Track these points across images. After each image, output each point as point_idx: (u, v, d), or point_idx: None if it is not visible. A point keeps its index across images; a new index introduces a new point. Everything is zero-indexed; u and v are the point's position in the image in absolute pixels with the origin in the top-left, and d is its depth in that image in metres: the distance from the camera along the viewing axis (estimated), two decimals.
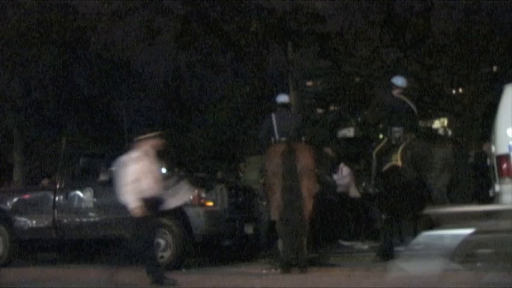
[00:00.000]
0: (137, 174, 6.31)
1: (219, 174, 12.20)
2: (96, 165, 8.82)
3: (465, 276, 6.18)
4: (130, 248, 6.45)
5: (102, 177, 8.59)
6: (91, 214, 8.56)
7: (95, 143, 15.49)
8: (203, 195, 7.95)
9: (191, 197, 7.74)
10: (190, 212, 7.87)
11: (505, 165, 6.48)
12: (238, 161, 13.44)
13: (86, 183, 8.69)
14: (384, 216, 7.97)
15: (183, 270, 7.79)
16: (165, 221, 7.96)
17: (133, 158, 6.43)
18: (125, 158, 6.50)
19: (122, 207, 8.18)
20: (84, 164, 9.08)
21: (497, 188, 6.74)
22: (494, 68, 12.89)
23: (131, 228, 6.62)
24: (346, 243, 9.27)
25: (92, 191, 8.61)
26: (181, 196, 6.93)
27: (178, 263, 7.88)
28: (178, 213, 7.92)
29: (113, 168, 8.60)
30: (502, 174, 6.55)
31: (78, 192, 8.71)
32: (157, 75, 17.33)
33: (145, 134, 6.66)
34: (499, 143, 6.67)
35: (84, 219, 8.58)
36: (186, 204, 7.88)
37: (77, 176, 8.88)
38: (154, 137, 6.65)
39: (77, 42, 14.98)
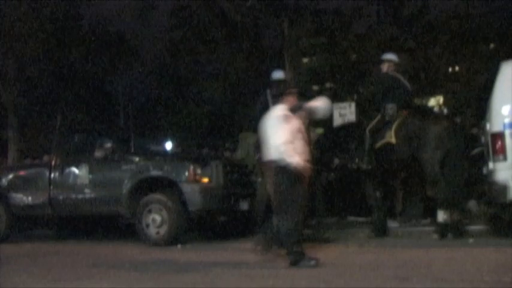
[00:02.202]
0: (289, 135, 5.71)
1: (205, 151, 12.21)
2: (91, 142, 8.82)
3: (457, 252, 6.29)
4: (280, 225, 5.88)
5: (98, 154, 8.60)
6: (86, 191, 8.58)
7: (90, 119, 15.46)
8: (198, 171, 7.97)
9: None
10: (186, 188, 7.91)
11: (499, 143, 6.53)
12: (225, 139, 13.46)
13: (82, 159, 8.69)
14: (377, 193, 8.03)
15: (179, 246, 7.86)
16: (160, 197, 8.03)
17: (283, 116, 5.82)
18: (274, 114, 5.90)
19: (118, 184, 8.28)
20: (79, 140, 9.08)
21: (491, 165, 6.80)
22: (491, 46, 12.85)
23: (279, 199, 5.86)
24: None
25: (87, 168, 8.63)
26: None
27: (174, 239, 7.94)
28: (174, 189, 7.98)
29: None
30: (496, 152, 6.60)
31: (74, 169, 8.73)
32: (152, 51, 17.22)
33: (289, 87, 6.09)
34: (493, 121, 6.71)
35: (80, 196, 8.61)
36: (181, 181, 7.94)
37: (72, 153, 8.89)
38: (294, 93, 6.03)
39: (71, 17, 14.84)
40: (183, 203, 7.93)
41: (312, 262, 5.74)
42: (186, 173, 7.96)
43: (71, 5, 14.72)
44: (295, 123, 5.86)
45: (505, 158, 6.52)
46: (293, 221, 5.75)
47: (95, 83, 16.52)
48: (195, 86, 15.46)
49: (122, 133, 9.82)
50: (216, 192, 8.02)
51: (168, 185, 8.06)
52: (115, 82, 16.71)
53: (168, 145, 13.24)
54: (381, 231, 7.95)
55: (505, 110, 6.60)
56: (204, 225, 8.88)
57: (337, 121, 9.75)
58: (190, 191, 7.90)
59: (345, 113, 9.66)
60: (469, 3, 12.23)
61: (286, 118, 5.81)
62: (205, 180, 7.99)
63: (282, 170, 5.72)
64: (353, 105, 10.01)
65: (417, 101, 10.50)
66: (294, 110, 5.94)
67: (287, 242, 5.83)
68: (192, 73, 15.49)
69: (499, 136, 6.57)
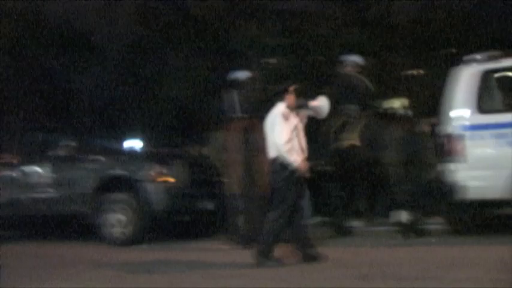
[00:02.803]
0: (289, 134, 5.78)
1: (175, 150, 12.13)
2: (54, 140, 8.69)
3: (419, 251, 6.45)
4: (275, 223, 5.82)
5: (61, 153, 8.48)
6: (49, 190, 8.45)
7: (52, 117, 15.16)
8: (163, 170, 7.94)
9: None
10: (151, 188, 7.87)
11: (453, 145, 6.73)
12: (192, 137, 13.42)
13: (44, 158, 8.55)
14: (341, 194, 8.15)
15: (144, 246, 7.82)
16: (124, 196, 7.97)
17: (284, 114, 5.83)
18: (276, 112, 5.86)
19: (81, 183, 8.18)
20: (41, 139, 8.93)
21: (450, 166, 7.00)
22: (453, 50, 13.17)
23: (277, 196, 5.86)
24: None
25: (49, 167, 8.50)
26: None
27: (139, 239, 7.90)
28: (139, 188, 7.93)
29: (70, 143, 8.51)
30: (454, 154, 6.81)
31: (36, 168, 8.58)
32: (117, 48, 17.01)
33: (291, 85, 6.01)
34: (452, 124, 6.91)
35: (42, 196, 8.47)
36: (145, 180, 7.90)
37: (34, 152, 8.73)
38: (295, 91, 5.98)
39: (31, 13, 14.55)
40: (147, 203, 7.89)
41: (277, 262, 5.78)
42: (151, 172, 7.92)
43: (32, 1, 14.44)
44: (294, 121, 5.89)
45: (463, 159, 6.72)
46: (281, 221, 5.79)
47: (58, 81, 16.23)
48: (160, 85, 15.35)
49: (86, 132, 9.72)
50: (180, 192, 8.00)
51: (132, 185, 8.01)
52: (79, 80, 16.44)
53: (137, 144, 13.14)
54: (345, 231, 8.07)
55: (463, 112, 6.81)
56: (168, 225, 8.85)
57: None
58: (154, 190, 7.87)
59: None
60: (430, 9, 12.54)
61: (285, 116, 5.83)
62: (170, 179, 7.96)
63: (281, 168, 5.77)
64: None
65: (380, 103, 10.67)
66: (298, 107, 5.97)
67: (264, 239, 5.83)
68: (157, 71, 15.38)
69: (453, 138, 6.77)
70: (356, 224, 8.56)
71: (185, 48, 14.44)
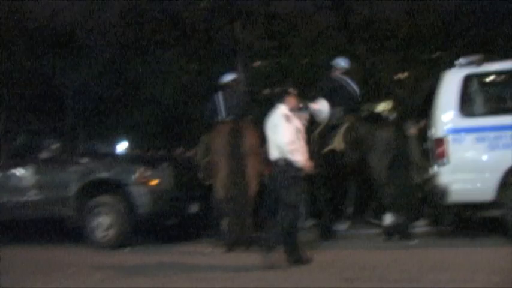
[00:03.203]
0: (292, 134, 5.84)
1: (161, 153, 12.11)
2: (37, 142, 8.61)
3: (401, 254, 6.47)
4: (281, 223, 5.84)
5: (44, 155, 8.41)
6: (32, 193, 8.36)
7: (36, 118, 15.02)
8: (147, 173, 7.90)
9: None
10: (135, 191, 7.83)
11: (441, 148, 6.78)
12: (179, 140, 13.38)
13: (27, 160, 8.47)
14: (326, 196, 8.16)
15: (127, 249, 7.77)
16: (108, 199, 7.91)
17: (286, 115, 5.88)
18: (278, 113, 5.90)
19: (65, 186, 8.10)
20: (25, 140, 8.85)
21: (434, 169, 7.05)
22: (437, 54, 13.29)
23: (283, 195, 5.86)
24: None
25: (33, 169, 8.42)
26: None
27: (122, 242, 7.85)
28: (122, 191, 7.88)
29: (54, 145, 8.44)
30: (438, 157, 6.85)
31: (19, 170, 8.49)
32: (103, 50, 16.91)
33: (291, 87, 6.04)
34: (436, 127, 6.96)
35: (25, 198, 8.38)
36: (131, 183, 7.85)
37: (17, 153, 8.65)
38: (296, 93, 6.06)
39: (15, 11, 14.42)
40: (132, 206, 7.84)
41: (282, 264, 5.75)
42: (135, 175, 7.87)
43: (17, 0, 14.29)
44: (296, 123, 5.95)
45: (446, 162, 6.77)
46: (289, 222, 5.82)
47: (42, 81, 16.07)
48: (147, 87, 15.29)
49: (70, 133, 9.64)
50: (165, 195, 7.96)
51: (116, 187, 7.96)
52: (64, 80, 16.30)
53: (123, 146, 13.05)
54: (330, 233, 8.08)
55: (447, 116, 6.86)
56: (152, 228, 8.80)
57: None
58: (138, 193, 7.82)
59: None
60: (415, 13, 12.65)
61: (288, 118, 5.86)
62: (155, 182, 7.92)
63: (285, 168, 5.81)
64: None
65: (366, 106, 10.71)
66: (299, 109, 6.06)
67: (273, 240, 5.85)
68: (144, 74, 15.31)
69: (441, 141, 6.82)
70: (342, 227, 8.58)
71: (172, 50, 14.40)
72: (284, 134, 5.82)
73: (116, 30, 15.62)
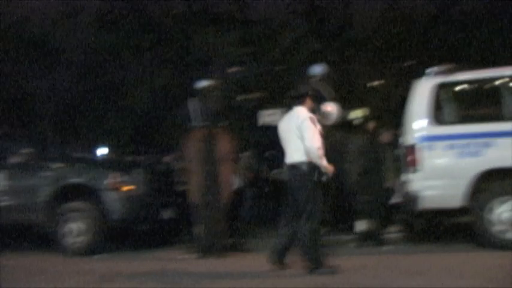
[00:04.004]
0: (320, 138, 5.69)
1: (140, 158, 12.00)
2: (8, 147, 8.48)
3: (372, 259, 6.54)
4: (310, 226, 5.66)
5: (15, 160, 8.28)
6: (2, 198, 8.22)
7: (7, 123, 14.77)
8: (120, 178, 7.83)
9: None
10: (107, 197, 7.74)
11: (412, 156, 6.88)
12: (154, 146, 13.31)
13: (1, 165, 8.32)
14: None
15: (97, 256, 7.67)
16: (80, 205, 7.82)
17: (311, 118, 5.71)
18: (301, 116, 5.73)
19: (36, 191, 7.98)
20: None
21: (405, 176, 7.15)
22: (410, 63, 13.49)
23: (302, 201, 5.71)
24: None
25: (4, 175, 8.27)
26: None
27: (94, 249, 7.75)
28: (95, 197, 7.79)
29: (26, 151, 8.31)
30: (409, 164, 6.95)
31: None
32: (78, 54, 16.74)
33: (309, 89, 5.91)
34: (408, 135, 7.07)
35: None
36: (104, 188, 7.77)
37: None
38: (313, 96, 5.93)
39: None
40: (104, 212, 7.76)
41: (330, 270, 5.62)
42: (107, 181, 7.80)
43: None
44: (318, 126, 5.82)
45: (418, 170, 6.87)
46: (316, 226, 5.67)
47: (16, 86, 15.83)
48: (121, 93, 15.18)
49: (42, 138, 9.51)
50: (138, 201, 7.90)
51: (88, 193, 7.87)
52: (37, 85, 16.07)
53: (103, 151, 12.91)
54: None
55: (418, 124, 6.97)
56: (125, 234, 8.72)
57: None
58: (111, 199, 7.75)
59: (273, 119, 9.73)
60: (389, 22, 12.86)
61: (313, 120, 5.73)
62: (128, 188, 7.86)
63: (308, 173, 5.66)
64: (280, 111, 9.99)
65: (340, 113, 10.79)
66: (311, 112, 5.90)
67: (307, 248, 5.68)
68: (118, 79, 15.20)
69: (413, 149, 6.92)
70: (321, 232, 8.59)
71: (147, 55, 14.33)
72: (314, 137, 5.65)
73: (91, 34, 15.49)
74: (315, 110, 6.01)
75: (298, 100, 5.90)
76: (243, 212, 8.84)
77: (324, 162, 5.72)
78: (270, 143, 8.49)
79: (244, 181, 9.36)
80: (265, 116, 9.97)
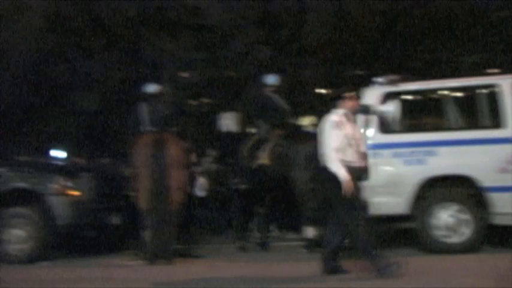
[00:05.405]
0: (341, 143, 5.45)
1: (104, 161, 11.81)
2: None
3: (320, 265, 6.62)
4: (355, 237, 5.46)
5: None
6: None
7: None
8: (67, 183, 7.66)
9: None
10: (53, 202, 7.55)
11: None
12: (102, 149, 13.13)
13: None
14: (256, 211, 8.27)
15: (44, 263, 7.47)
16: (24, 210, 7.59)
17: (335, 122, 5.52)
18: (327, 120, 5.54)
19: None
20: None
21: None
22: (360, 72, 13.81)
23: (339, 210, 5.52)
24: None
25: None
26: None
27: (40, 256, 7.54)
28: (41, 202, 7.59)
29: None
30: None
31: None
32: (23, 54, 16.29)
33: (347, 91, 5.61)
34: None
35: None
36: (49, 193, 7.58)
37: None
38: (354, 97, 5.67)
39: None
40: (50, 217, 7.57)
41: (396, 266, 5.40)
42: (54, 185, 7.61)
43: None
44: (349, 129, 5.58)
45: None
46: (361, 231, 5.47)
47: None
48: (70, 95, 14.88)
49: None
50: (86, 206, 7.74)
51: (34, 198, 7.66)
52: None
53: (53, 155, 12.60)
54: (245, 246, 8.18)
55: (367, 132, 7.13)
56: (72, 241, 8.53)
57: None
58: (57, 204, 7.55)
59: (227, 123, 9.75)
60: (339, 32, 13.14)
61: (338, 124, 5.55)
62: (75, 193, 7.69)
63: (330, 178, 5.52)
64: (234, 115, 9.99)
65: (292, 120, 10.95)
66: (361, 112, 5.78)
67: (366, 254, 5.48)
68: (66, 81, 14.90)
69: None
70: (268, 239, 8.65)
71: (97, 57, 14.12)
72: (329, 142, 5.52)
73: (38, 34, 15.12)
74: (364, 110, 5.86)
75: (333, 102, 5.74)
76: (200, 218, 8.84)
77: (335, 168, 5.47)
78: (227, 148, 8.50)
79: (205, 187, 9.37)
80: (222, 120, 9.93)
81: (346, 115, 5.61)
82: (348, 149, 5.52)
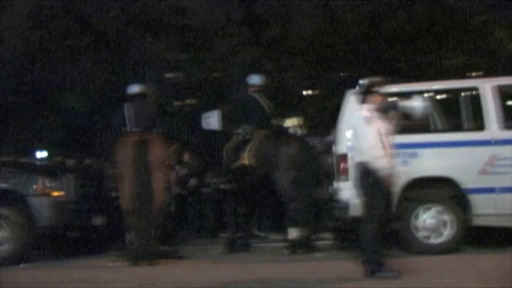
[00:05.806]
0: (374, 138, 5.39)
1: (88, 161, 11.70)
2: None
3: (305, 266, 6.65)
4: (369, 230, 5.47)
5: None
6: None
7: None
8: (49, 184, 7.58)
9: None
10: (34, 202, 7.46)
11: (343, 165, 7.06)
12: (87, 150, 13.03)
13: None
14: (239, 211, 8.25)
15: (22, 265, 7.37)
16: (4, 211, 7.49)
17: (365, 117, 5.44)
18: (358, 116, 5.51)
19: None
20: None
21: (336, 184, 7.32)
22: (344, 74, 13.89)
23: (366, 203, 5.53)
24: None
25: None
26: None
27: (20, 258, 7.45)
28: (21, 203, 7.50)
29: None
30: (340, 173, 7.13)
31: None
32: (6, 54, 16.11)
33: (378, 84, 5.54)
34: (339, 144, 7.25)
35: None
36: (31, 194, 7.49)
37: None
38: (381, 92, 5.56)
39: None
40: (32, 218, 7.48)
41: (391, 273, 5.47)
42: (35, 186, 7.53)
43: None
44: (379, 125, 5.53)
45: (347, 178, 7.05)
46: (376, 228, 5.50)
47: None
48: (54, 95, 14.75)
49: None
50: (68, 207, 7.67)
51: (16, 198, 7.56)
52: None
53: (39, 155, 12.49)
54: (234, 247, 8.16)
55: (349, 134, 7.15)
56: (54, 242, 8.44)
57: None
58: (39, 205, 7.46)
59: (210, 121, 9.72)
60: (324, 34, 13.20)
61: (369, 120, 5.49)
62: (57, 193, 7.61)
63: (366, 174, 5.50)
64: (217, 113, 9.95)
65: (276, 122, 10.97)
66: (385, 109, 5.67)
67: (368, 250, 5.52)
68: (51, 81, 14.76)
69: (343, 158, 7.10)
70: (250, 240, 8.65)
71: (81, 57, 14.01)
72: (366, 138, 5.49)
73: (21, 32, 14.96)
74: (389, 107, 5.79)
75: (362, 98, 5.68)
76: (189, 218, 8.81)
77: (378, 164, 5.44)
78: (210, 146, 8.47)
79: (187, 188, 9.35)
80: (204, 119, 9.90)
81: (375, 110, 5.54)
82: (378, 145, 5.47)
